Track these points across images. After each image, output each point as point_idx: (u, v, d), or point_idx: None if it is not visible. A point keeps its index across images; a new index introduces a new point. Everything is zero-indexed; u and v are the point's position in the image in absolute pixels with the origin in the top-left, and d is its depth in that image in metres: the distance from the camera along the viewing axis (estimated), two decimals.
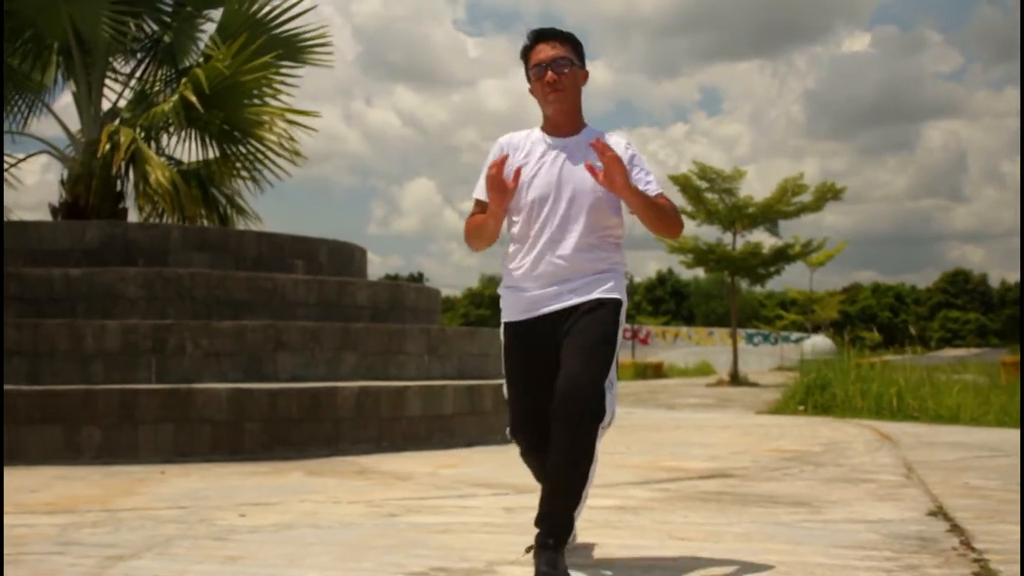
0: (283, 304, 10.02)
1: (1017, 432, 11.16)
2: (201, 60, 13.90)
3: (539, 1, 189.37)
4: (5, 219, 12.78)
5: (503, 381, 4.18)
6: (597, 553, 4.18)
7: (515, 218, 4.02)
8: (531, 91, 4.06)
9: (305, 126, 13.55)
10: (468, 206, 4.22)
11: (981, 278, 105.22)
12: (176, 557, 4.12)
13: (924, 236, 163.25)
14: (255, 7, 13.81)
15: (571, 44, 4.02)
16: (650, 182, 3.99)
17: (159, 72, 14.42)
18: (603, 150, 3.74)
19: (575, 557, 4.06)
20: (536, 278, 3.96)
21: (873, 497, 5.95)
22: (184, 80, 12.79)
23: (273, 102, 13.68)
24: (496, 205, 3.92)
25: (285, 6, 13.91)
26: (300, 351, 9.19)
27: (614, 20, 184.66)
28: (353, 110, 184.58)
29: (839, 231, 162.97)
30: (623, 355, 45.47)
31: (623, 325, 4.01)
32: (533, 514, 3.80)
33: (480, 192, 4.07)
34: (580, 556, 4.10)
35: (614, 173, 3.75)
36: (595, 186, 3.88)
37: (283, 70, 13.86)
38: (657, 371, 37.68)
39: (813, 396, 15.57)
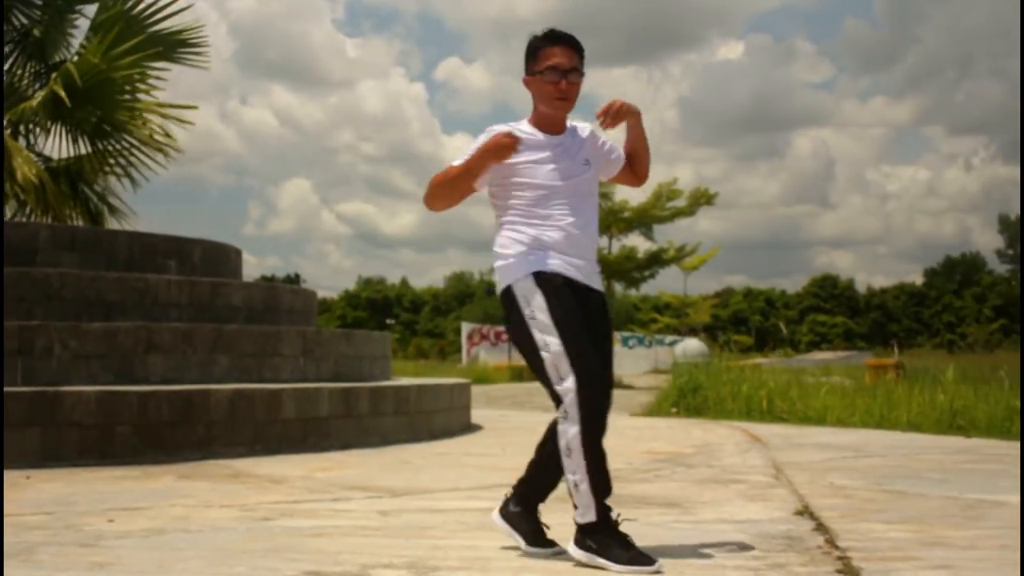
0: (155, 305, 9.84)
1: (880, 433, 11.48)
2: (74, 56, 13.62)
3: (418, 2, 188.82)
4: None
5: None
6: (470, 555, 4.20)
7: (518, 195, 4.24)
8: (527, 82, 4.32)
9: (180, 119, 13.37)
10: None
11: (848, 283, 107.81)
12: (41, 564, 4.03)
13: (794, 242, 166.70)
14: (129, 4, 13.57)
15: (582, 55, 4.29)
16: (621, 152, 4.53)
17: (28, 66, 14.07)
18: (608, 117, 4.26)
19: (447, 560, 4.08)
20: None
21: (743, 497, 6.07)
22: (54, 75, 12.51)
23: (146, 98, 13.47)
24: (486, 166, 4.17)
25: (160, 4, 13.71)
26: (172, 353, 9.04)
27: (492, 23, 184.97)
28: (229, 108, 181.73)
29: (712, 236, 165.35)
30: (499, 358, 45.55)
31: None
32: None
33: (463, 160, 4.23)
34: (454, 559, 4.11)
35: (616, 111, 4.25)
36: (588, 174, 4.32)
37: (157, 67, 13.66)
38: (533, 373, 37.81)
39: (686, 398, 15.83)
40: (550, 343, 4.03)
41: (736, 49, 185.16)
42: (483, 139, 4.23)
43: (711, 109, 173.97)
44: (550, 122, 4.31)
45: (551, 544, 4.30)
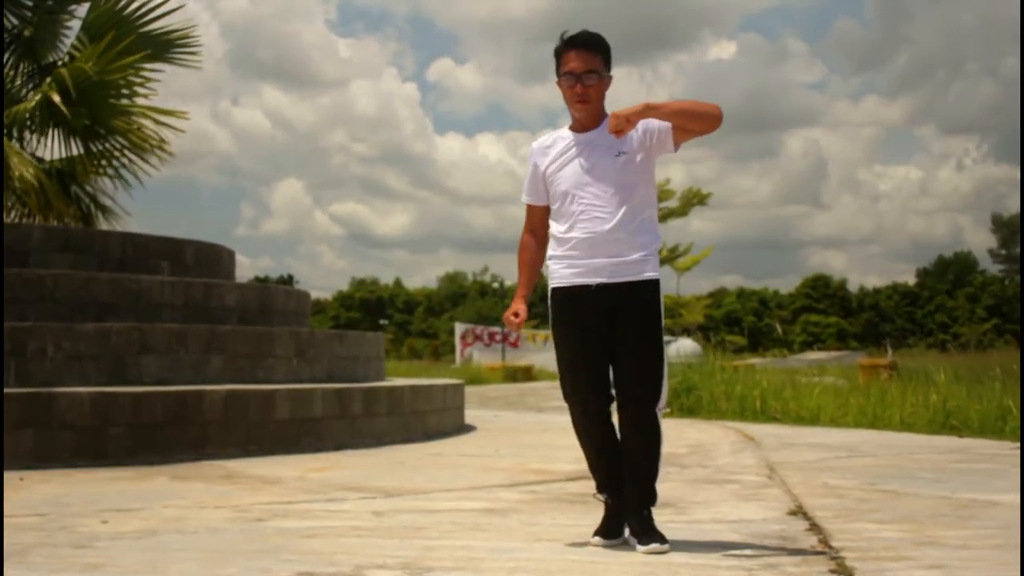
0: (148, 306, 9.84)
1: (874, 433, 11.50)
2: (66, 57, 13.61)
3: (409, 3, 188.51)
4: None
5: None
6: (463, 555, 4.20)
7: (553, 206, 4.51)
8: (559, 85, 4.48)
9: (173, 126, 13.36)
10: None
11: (841, 283, 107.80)
12: (34, 566, 4.03)
13: (787, 242, 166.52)
14: (121, 4, 13.56)
15: (601, 54, 4.44)
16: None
17: (20, 67, 14.06)
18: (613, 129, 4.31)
19: (441, 561, 4.08)
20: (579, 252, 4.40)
21: (736, 497, 6.08)
22: (48, 80, 12.51)
23: (139, 101, 13.47)
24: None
25: (152, 4, 13.70)
26: (166, 354, 9.03)
27: (484, 23, 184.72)
28: (221, 109, 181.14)
29: (705, 236, 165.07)
30: (493, 359, 45.52)
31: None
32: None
33: (528, 196, 4.62)
34: (448, 559, 4.12)
35: (617, 121, 4.26)
36: (617, 163, 4.37)
37: (148, 68, 13.65)
38: (527, 374, 37.87)
39: (680, 398, 15.81)
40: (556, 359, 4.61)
41: (728, 49, 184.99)
42: (529, 163, 4.60)
43: None
44: (580, 124, 4.49)
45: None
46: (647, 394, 4.38)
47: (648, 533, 4.33)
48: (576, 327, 4.41)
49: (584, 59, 4.37)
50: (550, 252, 4.52)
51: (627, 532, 4.43)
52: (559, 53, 4.44)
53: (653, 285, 4.39)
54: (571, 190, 4.39)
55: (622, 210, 4.34)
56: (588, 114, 4.43)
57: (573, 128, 4.51)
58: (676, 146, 4.44)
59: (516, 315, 4.54)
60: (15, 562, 4.09)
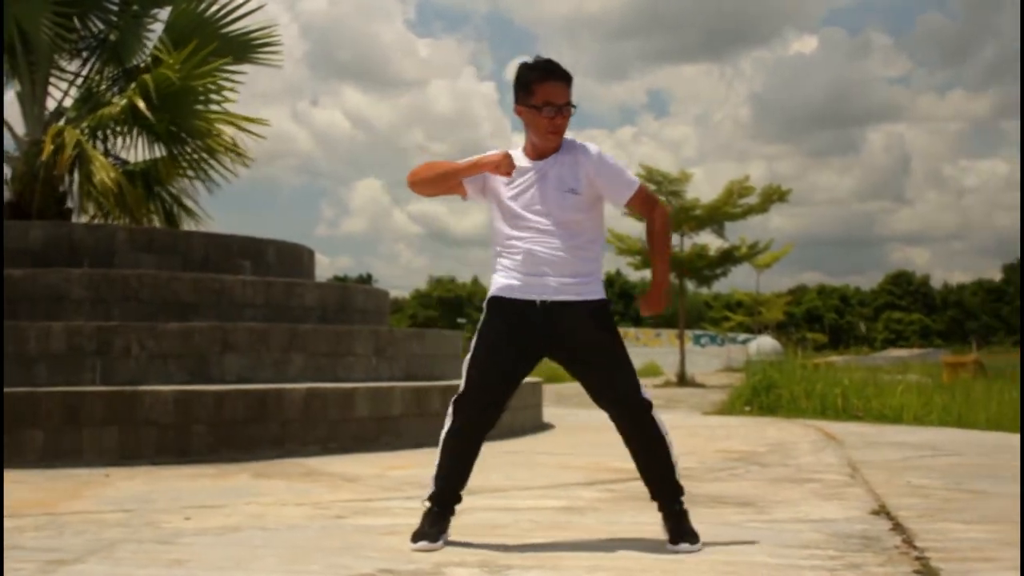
0: (230, 305, 9.95)
1: (959, 432, 11.31)
2: (149, 60, 13.79)
3: (488, 2, 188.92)
4: None
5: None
6: (543, 553, 4.19)
7: (498, 219, 4.48)
8: (520, 112, 4.43)
9: (253, 132, 13.49)
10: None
11: (924, 279, 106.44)
12: (120, 561, 4.09)
13: (869, 238, 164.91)
14: (203, 6, 13.72)
15: (570, 87, 4.41)
16: (631, 180, 4.49)
17: (105, 71, 14.27)
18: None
19: (519, 559, 4.08)
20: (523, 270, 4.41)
21: (818, 497, 6.01)
22: (132, 86, 12.69)
23: (219, 109, 13.60)
24: (471, 174, 4.42)
25: (232, 5, 13.83)
26: (247, 353, 9.13)
27: (563, 21, 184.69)
28: (301, 109, 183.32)
29: (785, 233, 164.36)
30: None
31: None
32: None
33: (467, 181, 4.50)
34: (526, 557, 4.11)
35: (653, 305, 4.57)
36: (566, 201, 4.37)
37: (231, 71, 13.78)
38: None
39: (759, 397, 15.70)
40: (468, 357, 4.65)
41: (809, 44, 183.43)
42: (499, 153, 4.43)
43: (784, 105, 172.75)
44: (540, 152, 4.45)
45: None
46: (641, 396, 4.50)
47: (683, 534, 4.35)
48: (506, 338, 4.45)
49: (564, 92, 4.36)
50: (495, 260, 4.53)
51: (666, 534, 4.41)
52: (534, 81, 4.36)
53: (603, 304, 4.45)
54: (523, 215, 4.38)
55: (568, 242, 4.36)
56: (555, 144, 4.42)
57: (528, 154, 4.47)
58: (620, 205, 4.57)
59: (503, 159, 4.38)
60: (102, 557, 4.16)
